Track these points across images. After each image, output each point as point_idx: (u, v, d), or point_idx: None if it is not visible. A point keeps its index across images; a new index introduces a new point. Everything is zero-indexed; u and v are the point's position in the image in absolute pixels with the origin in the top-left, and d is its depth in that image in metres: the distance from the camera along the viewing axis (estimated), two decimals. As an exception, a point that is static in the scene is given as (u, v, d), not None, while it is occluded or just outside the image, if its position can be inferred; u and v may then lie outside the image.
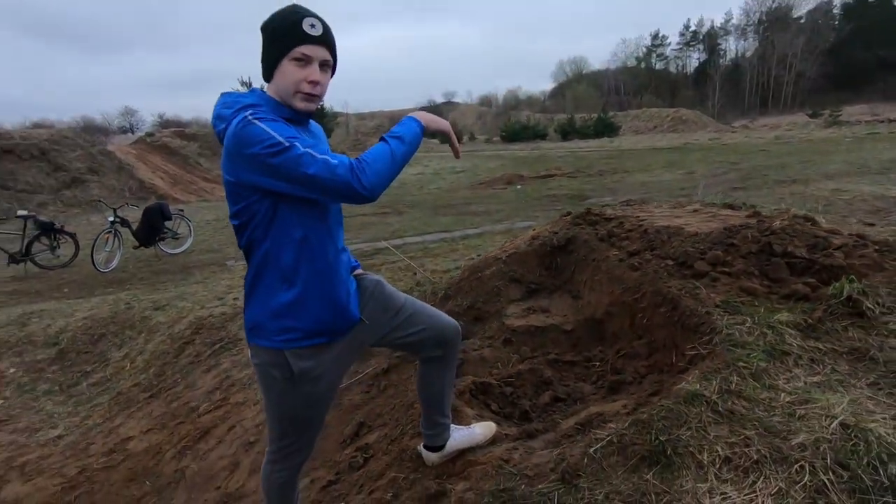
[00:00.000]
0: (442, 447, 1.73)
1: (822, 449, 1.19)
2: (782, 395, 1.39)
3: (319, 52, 1.23)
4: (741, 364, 1.50)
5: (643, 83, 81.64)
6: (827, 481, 1.13)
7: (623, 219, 2.80)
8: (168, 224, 8.09)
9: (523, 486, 1.42)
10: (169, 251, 8.11)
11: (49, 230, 7.68)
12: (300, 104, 1.25)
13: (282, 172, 1.15)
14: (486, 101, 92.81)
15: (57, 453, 3.19)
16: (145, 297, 5.62)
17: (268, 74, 1.27)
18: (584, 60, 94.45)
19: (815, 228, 2.13)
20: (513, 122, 46.92)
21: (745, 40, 79.75)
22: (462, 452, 1.75)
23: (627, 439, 1.40)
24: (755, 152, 17.32)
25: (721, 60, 79.55)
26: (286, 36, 1.21)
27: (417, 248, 7.03)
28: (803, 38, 64.50)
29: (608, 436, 1.43)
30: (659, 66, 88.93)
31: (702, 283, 1.96)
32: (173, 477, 2.72)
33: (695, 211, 2.77)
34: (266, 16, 1.28)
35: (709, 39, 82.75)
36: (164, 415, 3.33)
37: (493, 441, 1.78)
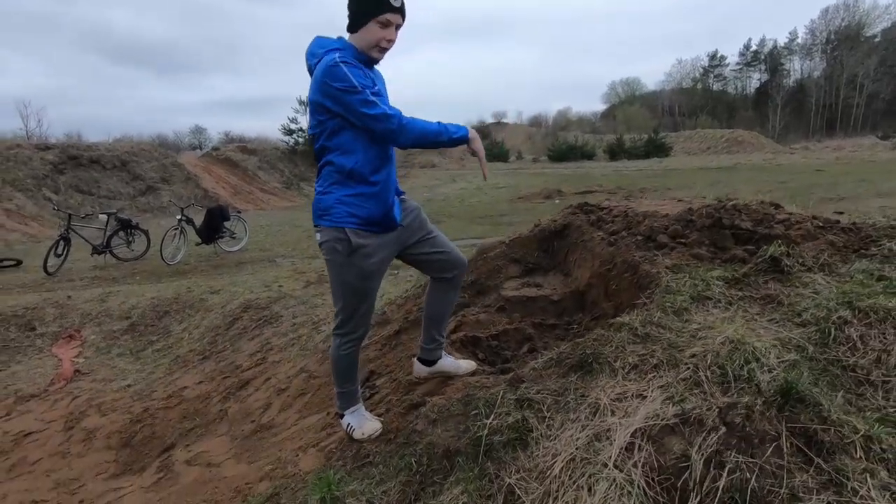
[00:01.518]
0: (433, 363, 2.12)
1: (707, 357, 1.50)
2: (693, 325, 1.69)
3: (398, 19, 1.68)
4: (667, 304, 1.81)
5: (699, 104, 79.52)
6: (703, 377, 1.44)
7: (614, 207, 3.12)
8: (227, 224, 8.93)
9: (481, 393, 1.79)
10: (227, 248, 8.94)
11: (127, 226, 8.69)
12: (377, 55, 1.71)
13: (350, 107, 1.63)
14: (535, 122, 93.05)
15: (126, 397, 3.79)
16: (204, 283, 6.33)
17: (354, 28, 1.70)
18: (636, 81, 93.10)
19: (769, 208, 2.38)
20: (560, 141, 46.97)
21: (810, 60, 76.32)
22: (446, 378, 2.13)
23: (564, 355, 1.74)
24: (809, 172, 16.73)
25: (784, 81, 76.38)
26: (376, 3, 1.63)
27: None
28: (876, 58, 61.10)
29: (551, 355, 1.78)
30: (716, 86, 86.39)
31: (661, 252, 2.27)
32: (218, 415, 3.22)
33: (680, 201, 3.05)
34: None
35: (771, 59, 79.80)
36: (213, 371, 3.88)
37: (473, 374, 2.16)
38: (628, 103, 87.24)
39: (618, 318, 1.80)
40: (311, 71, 1.73)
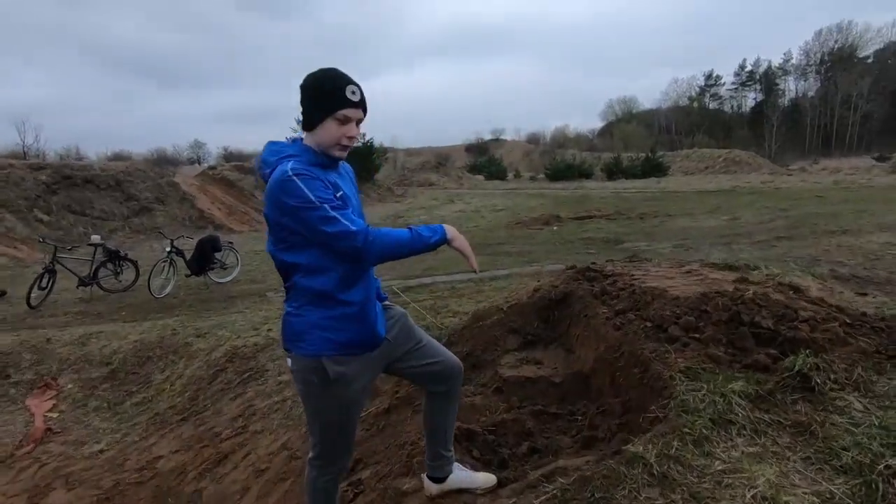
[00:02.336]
0: (443, 479, 1.89)
1: (737, 518, 1.29)
2: (716, 462, 1.48)
3: (358, 114, 1.51)
4: (686, 430, 1.61)
5: (696, 123, 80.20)
6: (735, 549, 1.23)
7: (618, 276, 2.93)
8: (218, 255, 8.72)
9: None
10: (217, 280, 8.71)
11: (115, 257, 8.46)
12: (337, 153, 1.53)
13: (308, 225, 1.42)
14: (533, 139, 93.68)
15: (97, 466, 3.54)
16: (190, 324, 6.09)
17: (309, 126, 1.52)
18: (634, 100, 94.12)
19: (790, 298, 2.20)
20: (558, 160, 47.11)
21: (805, 80, 77.34)
22: (459, 491, 1.90)
23: (569, 494, 1.53)
24: (809, 198, 16.66)
25: (779, 101, 77.21)
26: (331, 99, 1.47)
27: (446, 288, 7.26)
28: (870, 79, 61.84)
29: (554, 490, 1.57)
30: (712, 105, 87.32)
31: (673, 347, 2.07)
32: (191, 497, 2.98)
33: (688, 272, 2.86)
34: (311, 68, 1.54)
35: (766, 80, 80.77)
36: (191, 437, 3.64)
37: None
38: (625, 121, 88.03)
39: (630, 448, 1.59)
40: (265, 179, 1.54)
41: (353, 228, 1.42)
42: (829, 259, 7.17)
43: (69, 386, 4.98)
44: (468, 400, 2.58)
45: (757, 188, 22.90)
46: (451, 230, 1.64)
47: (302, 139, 1.58)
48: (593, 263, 3.34)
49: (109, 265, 8.40)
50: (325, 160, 1.53)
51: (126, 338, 5.73)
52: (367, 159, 28.28)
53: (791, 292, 2.28)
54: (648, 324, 2.27)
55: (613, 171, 39.43)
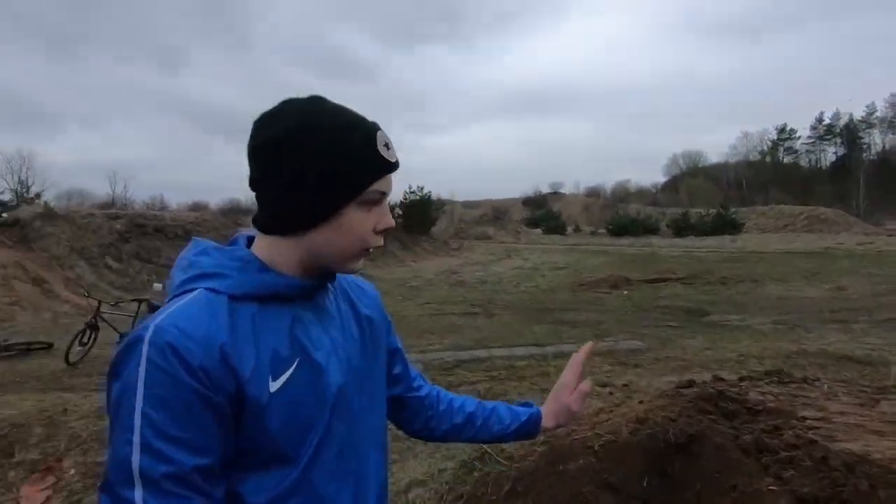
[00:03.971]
0: None
1: None
2: None
3: (392, 184, 0.78)
4: None
5: (768, 178, 75.98)
6: None
7: (779, 417, 1.92)
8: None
9: None
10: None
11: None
12: (356, 265, 0.77)
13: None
14: (593, 193, 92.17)
15: None
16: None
17: (300, 226, 0.73)
18: (699, 154, 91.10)
19: None
20: (621, 214, 45.43)
21: (893, 133, 71.96)
22: None
23: None
24: (925, 265, 14.42)
25: (864, 155, 71.99)
26: (358, 166, 0.72)
27: (503, 365, 6.30)
28: (972, 132, 56.43)
29: None
30: (787, 159, 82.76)
31: None
32: None
33: (877, 399, 1.81)
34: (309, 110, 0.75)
35: (848, 133, 75.92)
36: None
37: None
38: (691, 175, 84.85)
39: None
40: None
41: None
42: None
43: (71, 472, 4.37)
44: None
45: (854, 251, 20.44)
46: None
47: (249, 238, 0.81)
48: (721, 381, 2.33)
49: (152, 321, 8.11)
50: (295, 286, 0.75)
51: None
52: (423, 212, 28.20)
53: None
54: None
55: (681, 228, 37.24)
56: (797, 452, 1.69)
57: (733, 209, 40.87)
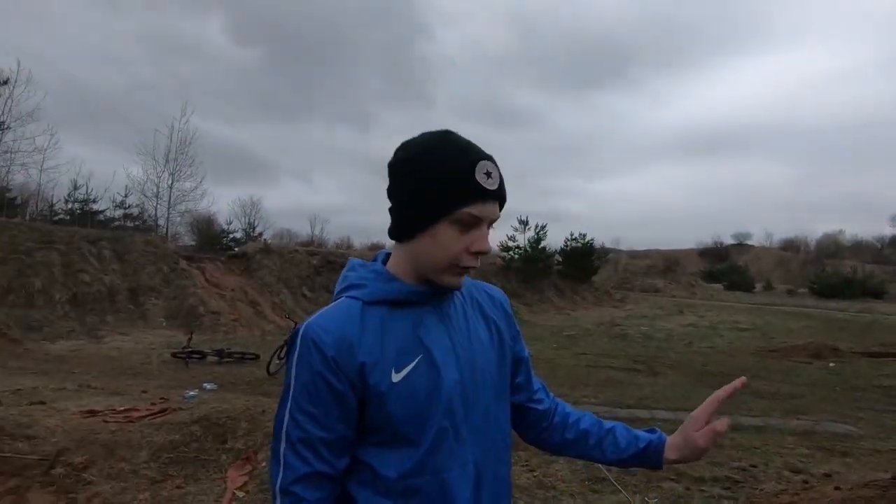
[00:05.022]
0: None
1: None
2: None
3: (492, 211, 0.87)
4: None
5: None
6: None
7: None
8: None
9: None
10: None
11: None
12: (449, 279, 0.88)
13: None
14: (790, 246, 78.87)
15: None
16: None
17: (406, 233, 0.88)
18: (947, 200, 72.28)
19: None
20: (830, 272, 37.98)
21: None
22: None
23: None
24: None
25: None
26: (451, 187, 0.83)
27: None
28: None
29: None
30: None
31: None
32: None
33: None
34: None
35: None
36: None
37: None
38: (934, 227, 67.29)
39: None
40: None
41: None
42: None
43: (263, 464, 5.17)
44: None
45: None
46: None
47: (388, 254, 0.96)
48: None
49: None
50: (414, 292, 0.89)
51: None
52: (584, 259, 27.37)
53: None
54: None
55: (920, 292, 29.58)
56: None
57: None
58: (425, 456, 0.84)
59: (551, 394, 1.09)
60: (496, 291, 1.05)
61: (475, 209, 0.84)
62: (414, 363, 0.85)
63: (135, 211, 28.05)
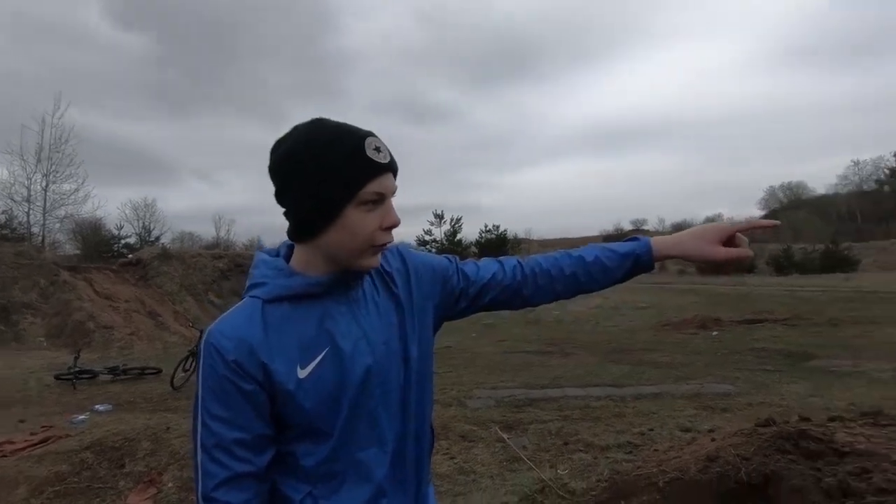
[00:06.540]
0: None
1: None
2: None
3: (391, 183, 0.86)
4: None
5: (890, 210, 67.75)
6: None
7: (869, 460, 1.74)
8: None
9: None
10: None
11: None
12: (368, 260, 0.86)
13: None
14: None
15: None
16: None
17: (311, 232, 0.85)
18: (802, 185, 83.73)
19: None
20: (711, 252, 42.39)
21: None
22: None
23: None
24: None
25: None
26: (348, 172, 0.81)
27: (577, 405, 6.07)
28: None
29: None
30: (911, 189, 73.53)
31: None
32: None
33: None
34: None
35: None
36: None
37: None
38: (793, 208, 77.79)
39: None
40: None
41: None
42: None
43: (169, 485, 4.80)
44: None
45: None
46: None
47: (286, 247, 0.94)
48: (806, 421, 2.15)
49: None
50: (316, 284, 0.87)
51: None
52: (499, 250, 28.32)
53: None
54: None
55: (783, 265, 34.07)
56: (888, 498, 1.51)
57: (846, 244, 36.77)
58: (339, 443, 0.86)
59: (513, 259, 1.09)
60: (392, 252, 1.01)
61: (376, 185, 0.83)
62: (321, 356, 0.85)
63: (1, 218, 24.58)
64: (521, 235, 45.30)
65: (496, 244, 27.88)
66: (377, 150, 0.84)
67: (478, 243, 28.04)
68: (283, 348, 0.83)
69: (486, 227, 28.68)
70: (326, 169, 0.81)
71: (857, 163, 77.12)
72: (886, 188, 74.05)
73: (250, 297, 0.87)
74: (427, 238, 26.73)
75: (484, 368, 8.34)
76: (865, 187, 75.83)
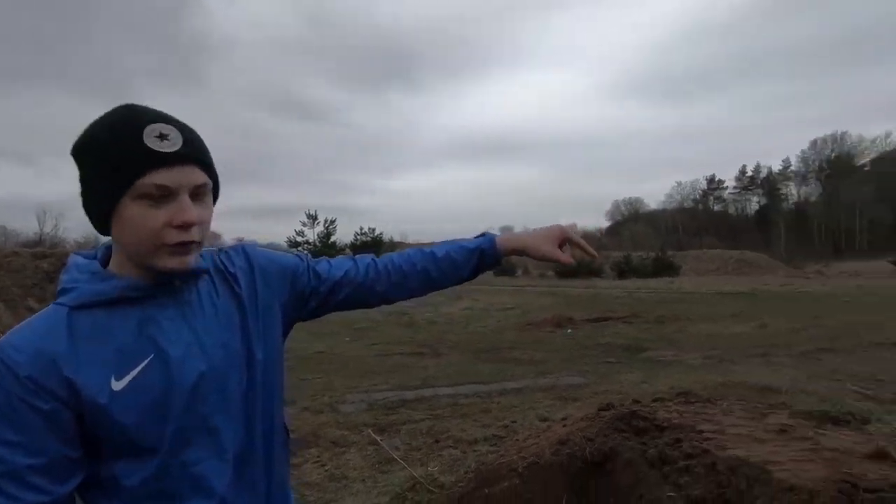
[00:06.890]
0: None
1: None
2: None
3: (184, 176, 0.75)
4: None
5: (702, 224, 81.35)
6: None
7: (681, 432, 2.09)
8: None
9: None
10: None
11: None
12: (167, 261, 0.77)
13: None
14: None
15: None
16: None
17: (102, 223, 0.78)
18: (639, 201, 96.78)
19: None
20: (567, 257, 46.92)
21: (807, 185, 79.35)
22: None
23: None
24: (837, 303, 15.74)
25: (784, 204, 78.72)
26: (120, 160, 0.73)
27: (447, 403, 6.29)
28: (872, 186, 63.15)
29: None
30: (717, 207, 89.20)
31: None
32: None
33: (782, 431, 2.03)
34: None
35: (768, 184, 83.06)
36: None
37: None
38: (632, 221, 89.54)
39: None
40: None
41: None
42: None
43: None
44: None
45: (778, 291, 22.06)
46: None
47: (105, 248, 0.85)
48: (637, 403, 2.51)
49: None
50: (132, 288, 0.78)
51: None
52: (373, 253, 28.12)
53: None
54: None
55: (624, 270, 38.96)
56: (692, 461, 1.84)
57: (671, 253, 43.32)
58: (168, 457, 0.78)
59: (367, 257, 1.09)
60: (236, 252, 0.95)
61: (157, 178, 0.73)
62: (142, 366, 0.77)
63: None
64: (397, 238, 45.72)
65: (370, 247, 27.70)
66: (161, 137, 0.74)
67: (352, 245, 27.63)
68: (93, 360, 0.74)
69: (361, 229, 28.40)
70: (100, 158, 0.75)
71: (679, 184, 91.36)
72: (700, 206, 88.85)
73: (55, 304, 0.77)
74: (299, 239, 25.60)
75: (357, 372, 8.24)
76: (686, 205, 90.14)
